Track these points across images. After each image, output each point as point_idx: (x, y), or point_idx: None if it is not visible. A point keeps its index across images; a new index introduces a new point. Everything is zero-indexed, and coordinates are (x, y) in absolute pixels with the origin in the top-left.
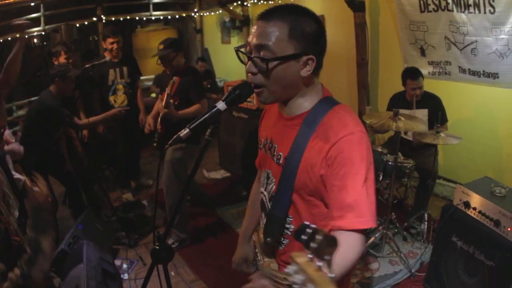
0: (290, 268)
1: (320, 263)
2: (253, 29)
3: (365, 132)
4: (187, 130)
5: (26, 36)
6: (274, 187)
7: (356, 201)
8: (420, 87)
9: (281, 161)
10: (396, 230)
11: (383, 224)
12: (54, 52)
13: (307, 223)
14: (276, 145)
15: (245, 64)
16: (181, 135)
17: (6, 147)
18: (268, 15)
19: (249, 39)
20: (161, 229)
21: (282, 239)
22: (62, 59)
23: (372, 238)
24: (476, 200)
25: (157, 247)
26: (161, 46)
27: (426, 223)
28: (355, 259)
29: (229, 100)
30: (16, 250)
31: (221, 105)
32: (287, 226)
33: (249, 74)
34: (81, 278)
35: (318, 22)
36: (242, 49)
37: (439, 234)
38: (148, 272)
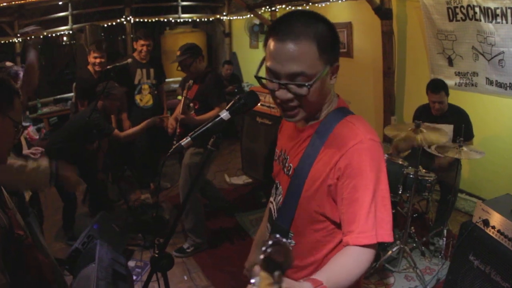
0: (255, 279)
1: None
2: (274, 50)
3: (376, 140)
4: (189, 139)
5: (41, 36)
6: (281, 198)
7: (363, 215)
8: (440, 102)
9: (290, 172)
10: (414, 245)
11: (401, 238)
12: (89, 49)
13: (278, 236)
14: (288, 157)
15: (266, 87)
16: (182, 144)
17: (24, 152)
18: (289, 35)
19: (274, 65)
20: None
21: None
22: (91, 58)
23: (389, 252)
24: (495, 218)
25: (157, 255)
26: (178, 53)
27: (445, 239)
28: (358, 274)
29: (233, 110)
30: (19, 244)
31: (224, 114)
32: (288, 241)
33: (279, 100)
34: (91, 277)
35: (332, 26)
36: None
37: (457, 252)
38: (146, 281)
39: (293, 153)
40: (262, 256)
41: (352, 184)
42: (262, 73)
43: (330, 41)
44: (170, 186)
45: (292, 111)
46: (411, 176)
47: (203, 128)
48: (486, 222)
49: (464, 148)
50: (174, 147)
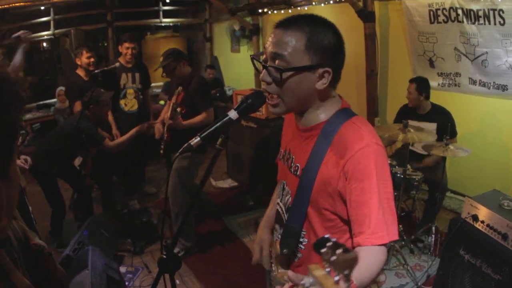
0: (306, 280)
1: (337, 278)
2: (271, 36)
3: (380, 145)
4: (198, 139)
5: (31, 38)
6: (290, 199)
7: (373, 216)
8: (409, 92)
9: (298, 173)
10: (403, 243)
11: None
12: (76, 53)
13: (327, 236)
14: (293, 157)
15: (260, 72)
16: (191, 143)
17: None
18: (286, 24)
19: (266, 45)
20: (167, 238)
21: (297, 252)
22: (84, 59)
23: None
24: (484, 213)
25: (165, 257)
26: (161, 58)
27: (433, 236)
28: (377, 272)
29: (241, 109)
30: (39, 255)
31: (233, 114)
32: (300, 240)
33: (263, 83)
34: (85, 284)
35: (337, 34)
36: (258, 57)
37: (447, 247)
38: (154, 282)
39: (299, 152)
40: (334, 258)
41: (360, 187)
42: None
43: (326, 45)
44: (157, 191)
45: (272, 100)
46: (399, 175)
47: (212, 128)
48: (475, 217)
49: (451, 147)
50: (183, 147)
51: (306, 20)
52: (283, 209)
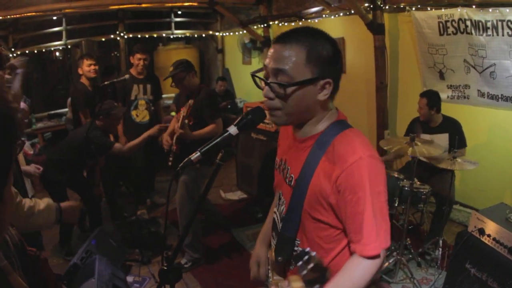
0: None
1: None
2: (270, 52)
3: (374, 156)
4: (198, 153)
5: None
6: (284, 208)
7: (365, 228)
8: (420, 107)
9: (292, 183)
10: (410, 256)
11: (398, 250)
12: (78, 63)
13: (308, 249)
14: (289, 167)
15: (261, 88)
16: (192, 158)
17: (22, 168)
18: (284, 39)
19: (266, 62)
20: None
21: (292, 260)
22: (85, 67)
23: (386, 264)
24: (491, 227)
25: (165, 268)
26: (171, 68)
27: (440, 249)
28: (362, 284)
29: (241, 125)
30: (36, 260)
31: (232, 129)
32: (295, 248)
33: (266, 99)
34: None
35: (334, 45)
36: (259, 74)
37: (453, 261)
38: None
39: (294, 163)
40: (301, 283)
41: (355, 199)
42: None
43: (325, 56)
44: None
45: (273, 112)
46: (406, 188)
47: (212, 143)
48: (481, 231)
49: (458, 160)
50: (184, 161)
51: (304, 33)
52: (279, 218)
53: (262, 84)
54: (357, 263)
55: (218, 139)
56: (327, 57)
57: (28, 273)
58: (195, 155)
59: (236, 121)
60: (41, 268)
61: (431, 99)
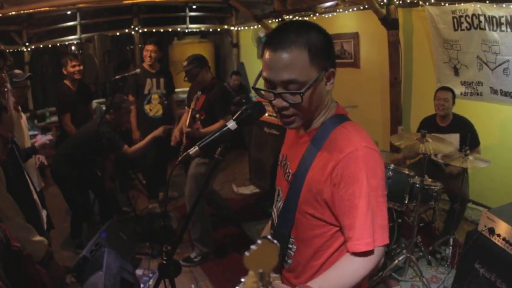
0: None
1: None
2: (268, 60)
3: (371, 148)
4: (197, 148)
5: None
6: (281, 204)
7: (359, 222)
8: (445, 99)
9: (289, 178)
10: (421, 254)
11: (408, 248)
12: (62, 63)
13: (268, 237)
14: (288, 163)
15: (266, 98)
16: (190, 153)
17: (36, 143)
18: (281, 45)
19: (268, 74)
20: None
21: (287, 258)
22: (69, 68)
23: (396, 261)
24: (501, 226)
25: (164, 262)
26: (185, 63)
27: (451, 247)
28: (354, 281)
29: (240, 120)
30: (16, 256)
31: (231, 124)
32: (289, 246)
33: (276, 108)
34: (98, 285)
35: (325, 33)
36: (259, 82)
37: (462, 260)
38: (154, 287)
39: (292, 159)
40: (247, 253)
41: (349, 192)
42: (261, 85)
43: (323, 48)
44: (178, 195)
45: (289, 119)
46: (417, 185)
47: (211, 138)
48: (491, 230)
49: (470, 157)
50: (181, 156)
51: (296, 32)
52: (275, 214)
53: (270, 95)
54: (349, 259)
55: (217, 134)
56: (323, 47)
57: (11, 270)
58: (193, 150)
59: (235, 115)
60: (25, 265)
61: (454, 93)
